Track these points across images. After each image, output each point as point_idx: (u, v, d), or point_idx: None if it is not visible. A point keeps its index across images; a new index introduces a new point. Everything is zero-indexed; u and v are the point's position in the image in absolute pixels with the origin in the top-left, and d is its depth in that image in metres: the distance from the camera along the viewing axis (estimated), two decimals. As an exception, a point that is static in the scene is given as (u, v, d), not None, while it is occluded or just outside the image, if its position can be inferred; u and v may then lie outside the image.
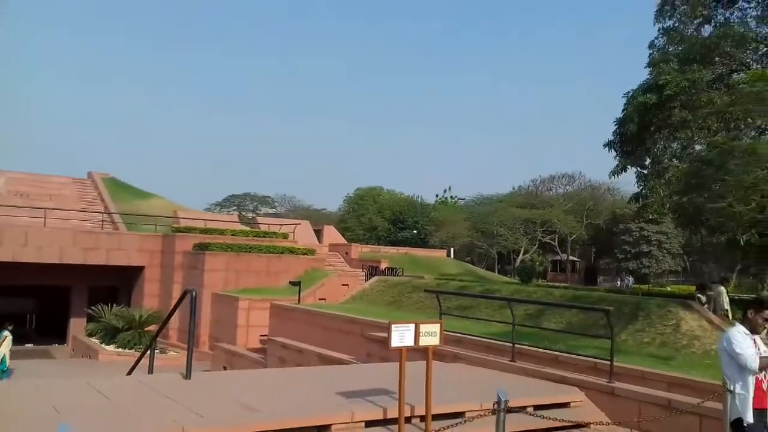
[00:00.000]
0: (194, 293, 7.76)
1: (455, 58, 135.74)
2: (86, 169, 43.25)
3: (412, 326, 6.46)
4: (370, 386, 7.52)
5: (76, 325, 27.50)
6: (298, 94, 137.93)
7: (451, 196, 72.58)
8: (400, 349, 6.37)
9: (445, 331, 6.98)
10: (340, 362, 13.00)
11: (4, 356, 17.16)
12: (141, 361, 10.19)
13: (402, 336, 6.36)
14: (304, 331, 16.79)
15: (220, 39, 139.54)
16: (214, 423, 5.71)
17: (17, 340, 28.31)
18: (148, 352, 9.51)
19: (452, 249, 52.49)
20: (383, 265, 30.61)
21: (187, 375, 7.71)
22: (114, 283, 29.08)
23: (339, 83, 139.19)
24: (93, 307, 24.97)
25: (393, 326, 6.34)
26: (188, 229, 27.76)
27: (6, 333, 17.49)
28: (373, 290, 22.48)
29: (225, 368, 18.63)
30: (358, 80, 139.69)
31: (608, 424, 7.46)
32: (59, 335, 28.92)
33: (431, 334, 6.56)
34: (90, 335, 23.97)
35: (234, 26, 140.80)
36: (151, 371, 8.92)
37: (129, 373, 10.02)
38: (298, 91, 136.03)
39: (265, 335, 19.92)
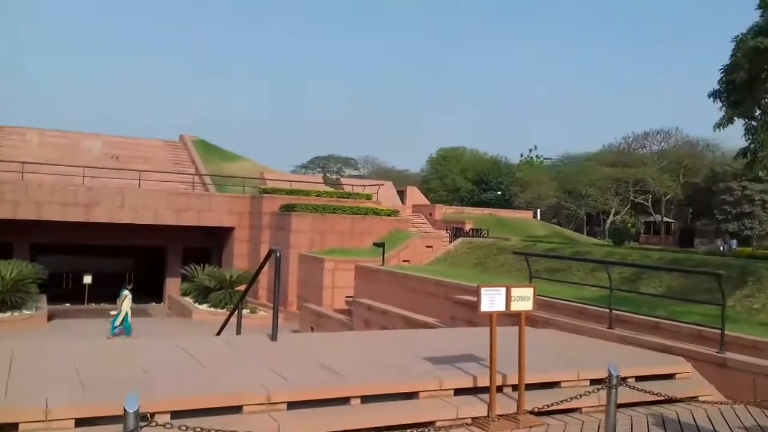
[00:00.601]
0: (278, 253, 7.64)
1: (541, 9, 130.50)
2: (177, 132, 44.75)
3: (503, 290, 6.07)
4: (458, 352, 7.21)
5: (172, 285, 28.72)
6: (383, 54, 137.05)
7: (537, 156, 70.46)
8: (490, 314, 6.00)
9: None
10: (425, 325, 12.78)
11: (127, 313, 18.13)
12: (230, 321, 10.29)
13: (492, 300, 5.98)
14: (388, 293, 16.70)
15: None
16: (298, 386, 5.57)
17: (115, 299, 29.98)
18: (237, 311, 9.58)
19: (538, 210, 51.11)
20: (467, 227, 30.06)
21: (273, 336, 7.66)
22: (206, 244, 30.07)
23: (427, 41, 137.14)
24: (186, 267, 25.90)
25: (483, 290, 5.97)
26: (275, 191, 28.18)
27: (126, 292, 18.51)
28: (457, 252, 22.13)
29: (312, 329, 18.91)
30: (445, 37, 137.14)
31: (720, 403, 6.82)
32: (156, 294, 30.33)
33: (524, 299, 6.14)
34: (184, 294, 24.93)
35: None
36: (239, 332, 8.97)
37: (218, 333, 10.16)
38: (382, 50, 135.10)
39: (351, 296, 20.03)
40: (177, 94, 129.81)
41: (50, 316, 20.94)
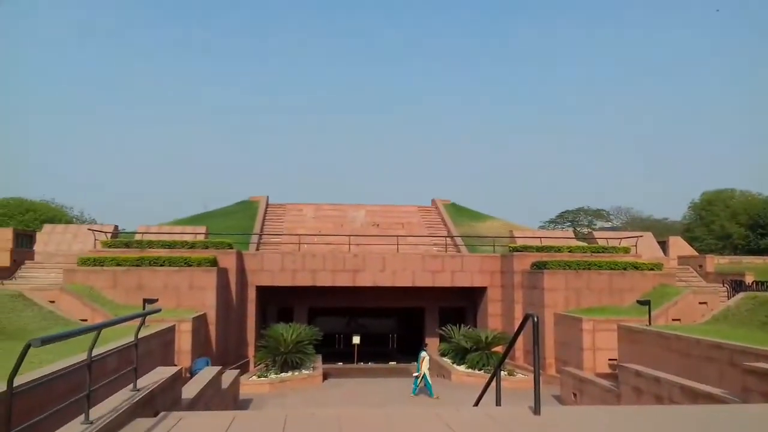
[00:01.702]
0: (536, 318, 7.39)
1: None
2: (430, 196, 47.03)
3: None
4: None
5: (431, 345, 29.64)
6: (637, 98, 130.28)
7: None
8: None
9: None
10: (710, 397, 11.34)
11: (425, 374, 19.64)
12: (491, 384, 10.20)
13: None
14: (658, 357, 15.25)
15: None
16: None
17: (382, 358, 31.76)
18: (495, 378, 9.49)
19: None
20: (749, 279, 26.46)
21: (536, 410, 7.37)
22: (460, 304, 30.69)
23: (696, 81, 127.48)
24: (443, 328, 26.58)
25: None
26: (524, 248, 27.88)
27: (424, 354, 20.22)
28: (739, 309, 19.49)
29: (574, 395, 17.97)
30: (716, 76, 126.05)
31: None
32: (417, 354, 31.52)
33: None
34: (442, 355, 25.50)
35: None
36: (498, 402, 8.83)
37: (477, 402, 10.12)
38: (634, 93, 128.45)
39: (614, 359, 18.72)
40: (427, 162, 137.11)
41: (325, 375, 22.82)
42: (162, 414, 7.27)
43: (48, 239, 31.21)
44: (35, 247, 30.23)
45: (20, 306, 14.64)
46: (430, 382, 19.83)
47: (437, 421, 6.93)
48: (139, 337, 7.99)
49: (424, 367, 19.80)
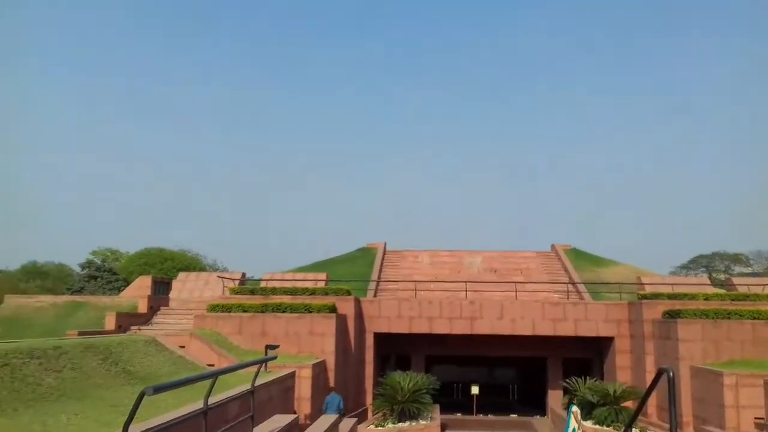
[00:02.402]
0: (671, 373, 6.81)
1: None
2: (548, 243, 45.71)
3: None
4: None
5: (554, 397, 28.31)
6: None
7: None
8: None
9: None
10: None
11: (574, 429, 18.80)
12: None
13: None
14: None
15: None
16: None
17: (502, 410, 30.72)
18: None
19: None
20: None
21: (668, 476, 6.76)
22: (585, 355, 29.17)
23: None
24: (567, 380, 25.33)
25: None
26: (655, 296, 26.16)
27: (575, 408, 19.34)
28: None
29: (715, 457, 16.38)
30: None
31: None
32: (539, 406, 30.24)
33: None
34: (566, 409, 24.20)
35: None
36: (626, 465, 8.20)
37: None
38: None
39: (761, 418, 16.95)
40: (548, 206, 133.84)
41: (443, 426, 22.32)
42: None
43: (182, 287, 33.32)
44: (170, 294, 32.36)
45: (152, 351, 15.61)
46: None
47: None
48: (258, 383, 8.21)
49: (573, 422, 18.63)
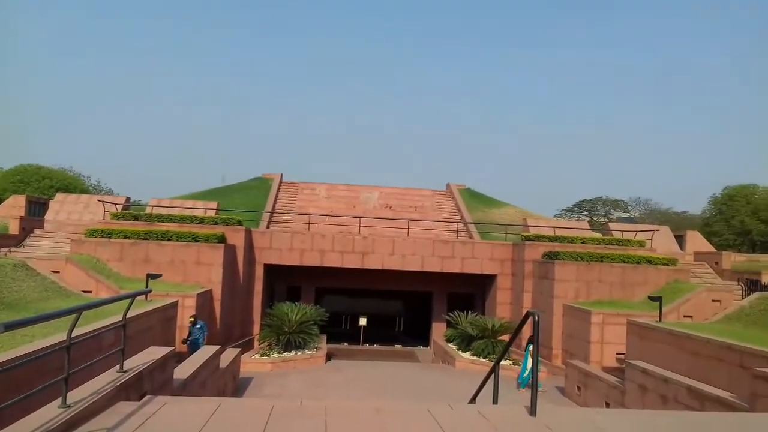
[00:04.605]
0: (536, 316, 7.13)
1: None
2: (446, 181, 46.60)
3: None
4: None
5: (437, 330, 29.45)
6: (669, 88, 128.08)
7: None
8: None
9: None
10: (718, 401, 11.03)
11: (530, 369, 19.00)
12: (491, 376, 9.95)
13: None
14: (666, 355, 14.89)
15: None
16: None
17: (389, 340, 31.60)
18: (494, 374, 9.24)
19: None
20: (765, 278, 25.88)
21: (532, 411, 7.11)
22: (469, 290, 30.39)
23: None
24: (450, 314, 26.34)
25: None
26: (537, 237, 27.47)
27: (531, 347, 19.50)
28: (753, 309, 19.02)
29: (578, 389, 17.69)
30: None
31: None
32: (423, 338, 31.40)
33: None
34: (448, 341, 25.28)
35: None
36: (495, 400, 8.59)
37: (474, 397, 9.88)
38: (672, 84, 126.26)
39: (622, 353, 18.39)
40: (444, 145, 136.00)
41: (329, 355, 22.71)
42: (147, 398, 7.09)
43: (60, 208, 31.28)
44: (46, 216, 30.32)
45: (22, 275, 14.57)
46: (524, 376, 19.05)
47: (428, 419, 6.69)
48: (137, 313, 7.81)
49: (529, 361, 19.03)
